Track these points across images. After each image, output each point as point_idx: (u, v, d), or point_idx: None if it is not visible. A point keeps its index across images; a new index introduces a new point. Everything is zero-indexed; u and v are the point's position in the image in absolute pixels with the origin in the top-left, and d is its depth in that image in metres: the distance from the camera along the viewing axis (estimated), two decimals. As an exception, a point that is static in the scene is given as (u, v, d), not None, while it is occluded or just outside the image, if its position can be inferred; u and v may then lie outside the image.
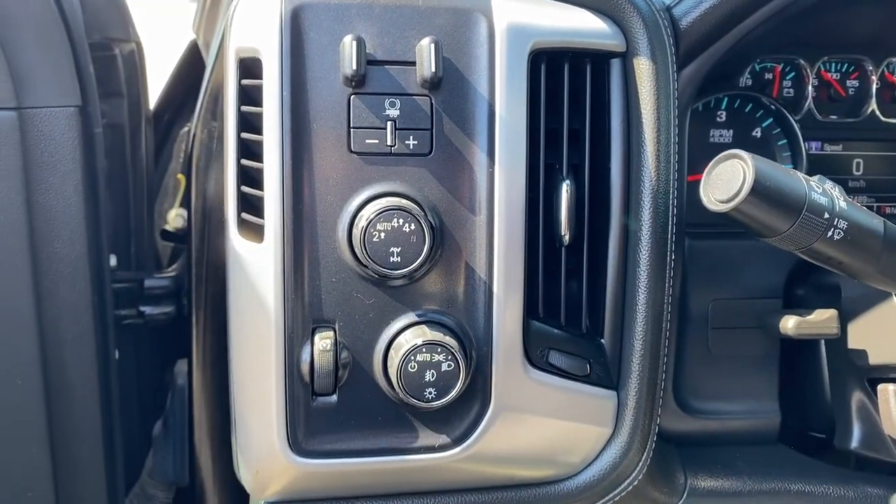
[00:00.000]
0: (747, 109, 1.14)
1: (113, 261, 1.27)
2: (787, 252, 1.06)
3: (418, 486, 0.83)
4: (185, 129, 1.49)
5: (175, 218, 1.47)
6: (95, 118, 1.04)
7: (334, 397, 0.77)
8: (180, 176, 1.51)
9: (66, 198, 0.97)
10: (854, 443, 0.99)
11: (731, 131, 1.14)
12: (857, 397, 0.99)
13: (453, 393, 0.75)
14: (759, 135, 1.14)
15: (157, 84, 1.47)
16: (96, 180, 1.05)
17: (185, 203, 1.44)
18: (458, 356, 0.75)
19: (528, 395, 0.81)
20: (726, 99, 1.13)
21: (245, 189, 0.78)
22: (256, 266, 0.76)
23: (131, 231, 1.39)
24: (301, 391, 0.76)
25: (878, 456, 0.99)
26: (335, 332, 0.76)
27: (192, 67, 1.45)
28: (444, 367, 0.74)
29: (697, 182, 1.10)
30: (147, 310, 1.35)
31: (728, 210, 0.71)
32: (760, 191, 0.69)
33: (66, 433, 1.04)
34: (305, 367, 0.76)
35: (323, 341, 0.75)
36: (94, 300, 1.01)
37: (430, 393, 0.75)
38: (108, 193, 1.25)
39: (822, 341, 1.03)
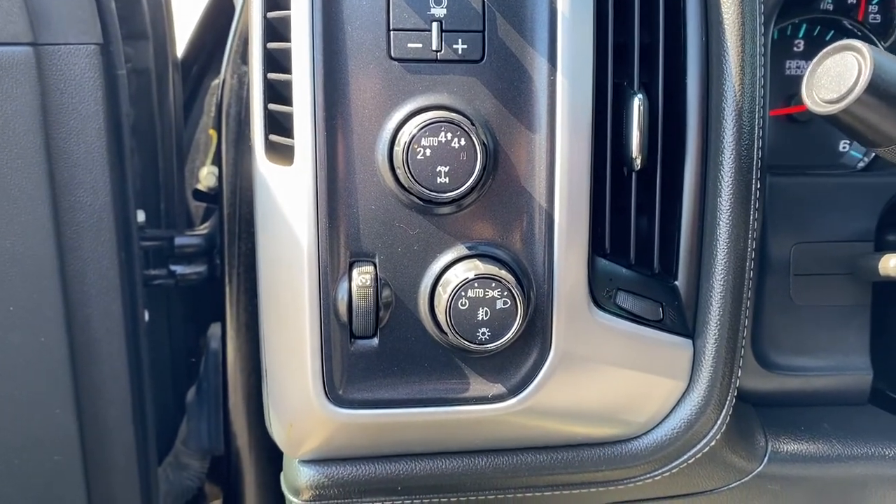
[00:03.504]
0: (828, 37, 1.02)
1: (141, 216, 1.21)
2: (880, 190, 0.96)
3: (468, 444, 0.75)
4: (216, 81, 1.42)
5: (207, 176, 1.40)
6: (118, 59, 0.98)
7: (375, 340, 0.69)
8: (212, 131, 1.44)
9: (89, 143, 0.92)
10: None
11: (809, 62, 1.02)
12: None
13: (509, 334, 0.66)
14: None
15: (184, 31, 1.39)
16: (120, 126, 0.99)
17: (218, 160, 1.37)
18: (515, 292, 0.65)
19: (593, 340, 0.71)
20: (805, 25, 1.01)
21: (273, 107, 0.69)
22: (286, 192, 0.67)
23: (160, 186, 1.33)
24: (338, 333, 0.68)
25: None
26: (375, 266, 0.67)
27: (220, 12, 1.37)
28: (500, 304, 0.65)
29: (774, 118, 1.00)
30: (178, 269, 1.30)
31: (837, 112, 0.60)
32: (878, 88, 0.58)
33: (92, 394, 1.00)
34: (343, 307, 0.67)
35: (362, 276, 0.66)
36: (120, 255, 0.96)
37: (483, 334, 0.66)
38: (135, 144, 1.19)
39: None
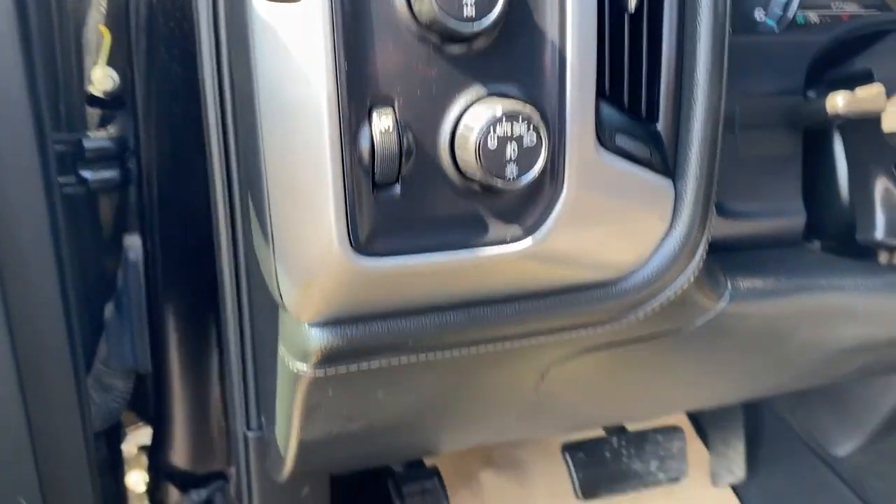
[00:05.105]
0: None
1: (46, 118, 1.10)
2: (802, 49, 1.03)
3: (482, 290, 0.76)
4: (106, -29, 1.29)
5: (104, 79, 1.28)
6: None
7: (397, 188, 0.67)
8: (102, 27, 1.31)
9: None
10: (878, 233, 0.98)
11: None
12: (880, 185, 0.98)
13: (536, 168, 0.67)
14: None
15: None
16: (27, 13, 0.88)
17: (127, 58, 1.25)
18: (540, 127, 0.66)
19: (599, 179, 0.74)
20: None
21: None
22: (295, 32, 0.63)
23: (60, 87, 1.21)
24: (361, 182, 0.66)
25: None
26: (395, 111, 0.66)
27: None
28: (526, 141, 0.66)
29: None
30: (89, 175, 1.20)
31: None
32: None
33: (24, 307, 0.92)
34: (365, 153, 0.65)
35: (384, 121, 0.64)
36: (39, 159, 0.87)
37: (511, 171, 0.66)
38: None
39: (838, 134, 1.01)
